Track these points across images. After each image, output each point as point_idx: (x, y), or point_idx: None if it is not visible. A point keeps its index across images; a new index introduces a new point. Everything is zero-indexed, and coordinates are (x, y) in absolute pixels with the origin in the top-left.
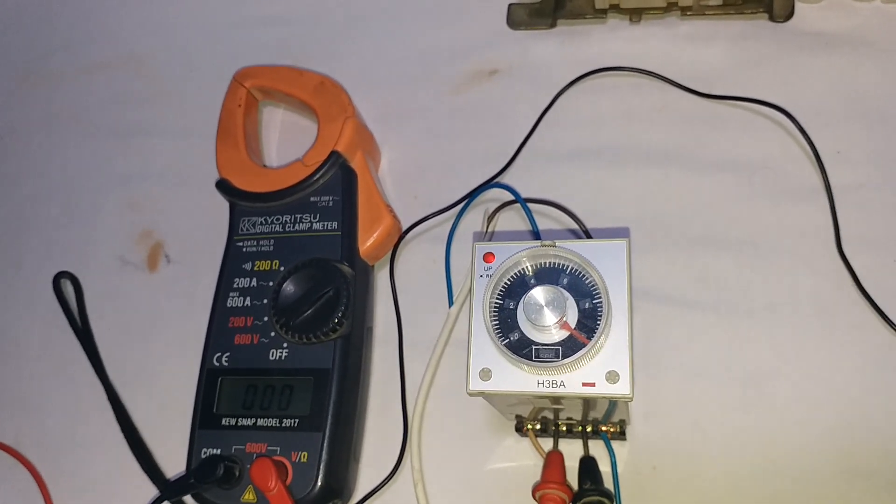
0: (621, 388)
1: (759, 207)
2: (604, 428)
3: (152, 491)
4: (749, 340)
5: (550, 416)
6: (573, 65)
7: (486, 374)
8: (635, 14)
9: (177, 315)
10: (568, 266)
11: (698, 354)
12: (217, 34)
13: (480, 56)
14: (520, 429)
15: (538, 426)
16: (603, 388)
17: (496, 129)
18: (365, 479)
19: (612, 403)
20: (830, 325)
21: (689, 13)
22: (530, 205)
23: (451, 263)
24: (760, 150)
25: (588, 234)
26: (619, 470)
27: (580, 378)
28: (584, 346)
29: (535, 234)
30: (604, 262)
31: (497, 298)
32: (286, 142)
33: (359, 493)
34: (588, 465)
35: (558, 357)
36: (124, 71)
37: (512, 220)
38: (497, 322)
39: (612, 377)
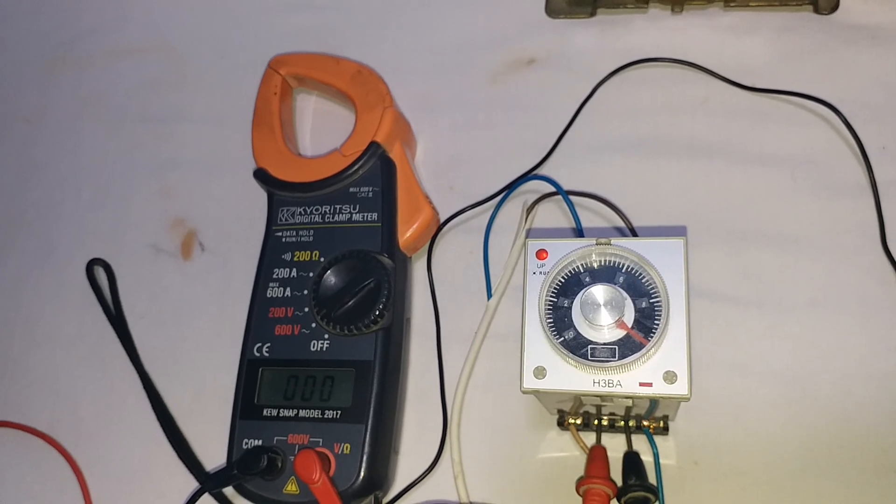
0: (679, 389)
1: (802, 203)
2: (646, 423)
3: (187, 478)
4: (791, 337)
5: (592, 410)
6: (613, 55)
7: (540, 373)
8: (677, 4)
9: (211, 304)
10: (624, 264)
11: (740, 350)
12: (248, 19)
13: (518, 45)
14: (561, 423)
15: (580, 421)
16: (660, 389)
17: (534, 120)
18: (404, 471)
19: (655, 401)
20: (874, 322)
21: (732, 4)
22: (571, 197)
23: (490, 255)
24: (804, 145)
25: (633, 230)
26: (661, 464)
27: (637, 378)
28: (641, 346)
29: (578, 228)
30: (660, 260)
31: (550, 296)
32: (320, 130)
33: (398, 485)
34: (632, 461)
35: (615, 356)
36: (155, 56)
37: (551, 212)
38: (551, 320)
39: (671, 377)
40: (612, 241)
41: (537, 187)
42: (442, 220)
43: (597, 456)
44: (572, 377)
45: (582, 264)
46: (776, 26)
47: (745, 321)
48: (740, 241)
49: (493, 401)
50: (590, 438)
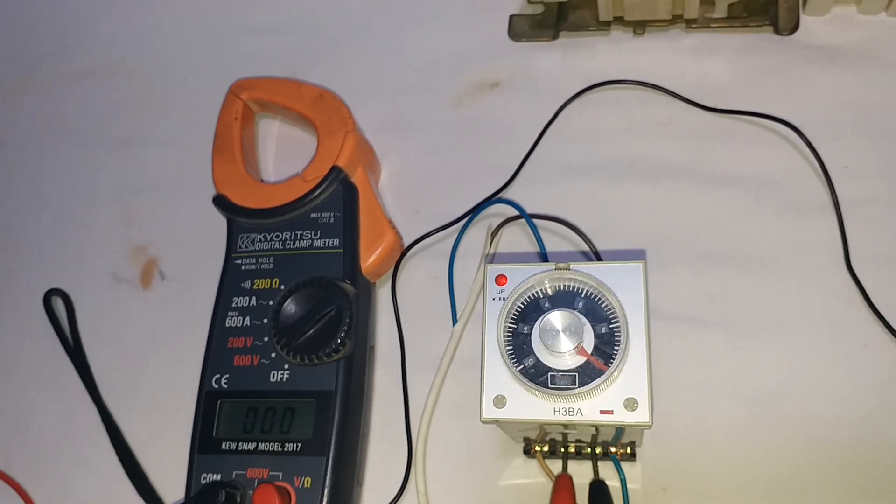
0: (640, 416)
1: (766, 223)
2: (613, 450)
3: None
4: (758, 358)
5: (559, 437)
6: (576, 77)
7: (500, 402)
8: (639, 26)
9: (172, 334)
10: (583, 289)
11: (706, 373)
12: (211, 42)
13: (482, 68)
14: (528, 451)
15: (546, 448)
16: (621, 416)
17: (499, 143)
18: None
19: (620, 428)
20: (840, 342)
21: (693, 26)
22: (535, 221)
23: (455, 280)
24: (767, 165)
25: (597, 254)
26: (629, 490)
27: (597, 405)
28: (601, 372)
29: (542, 252)
30: (620, 285)
31: (510, 323)
32: (283, 155)
33: None
34: (598, 490)
35: (575, 384)
36: (116, 79)
37: (515, 235)
38: (511, 347)
39: (631, 404)
40: (571, 266)
41: (503, 210)
42: (406, 244)
43: (562, 486)
44: (532, 406)
45: (540, 290)
46: (737, 47)
47: (711, 343)
48: (705, 262)
49: (460, 429)
50: (557, 466)
